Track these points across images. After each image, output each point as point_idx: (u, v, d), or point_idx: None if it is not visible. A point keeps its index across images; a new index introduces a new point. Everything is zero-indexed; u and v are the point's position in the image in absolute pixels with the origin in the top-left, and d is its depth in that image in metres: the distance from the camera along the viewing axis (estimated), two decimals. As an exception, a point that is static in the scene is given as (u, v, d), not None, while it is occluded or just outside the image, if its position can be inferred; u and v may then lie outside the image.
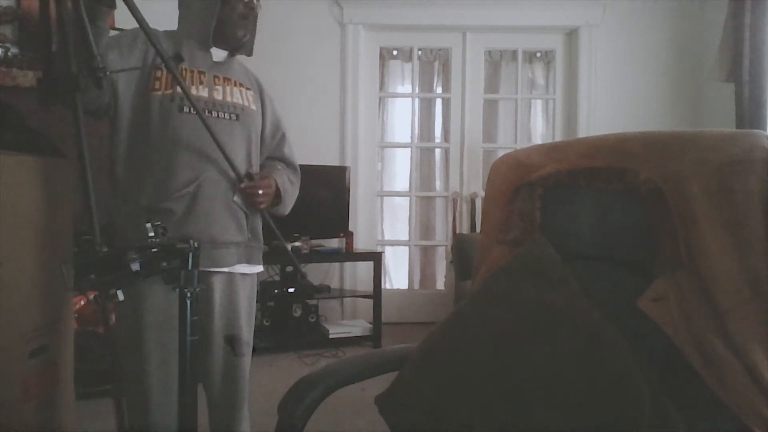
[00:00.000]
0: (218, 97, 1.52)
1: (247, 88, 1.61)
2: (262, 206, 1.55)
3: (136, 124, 1.44)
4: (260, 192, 1.53)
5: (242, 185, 1.50)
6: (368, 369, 1.15)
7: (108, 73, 1.12)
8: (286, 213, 1.68)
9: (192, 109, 1.44)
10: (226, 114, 1.51)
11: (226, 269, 1.52)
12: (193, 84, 1.49)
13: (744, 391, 0.82)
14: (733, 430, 0.82)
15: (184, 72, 1.48)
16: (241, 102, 1.57)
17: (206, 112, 1.47)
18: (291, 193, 1.67)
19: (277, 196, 1.61)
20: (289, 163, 1.73)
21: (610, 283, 1.04)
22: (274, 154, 1.71)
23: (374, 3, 3.99)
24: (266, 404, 1.45)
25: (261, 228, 1.64)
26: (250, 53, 1.64)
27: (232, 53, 1.61)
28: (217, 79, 1.54)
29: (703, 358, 0.85)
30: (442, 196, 4.31)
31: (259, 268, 1.65)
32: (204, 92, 1.50)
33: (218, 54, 1.58)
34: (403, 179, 4.39)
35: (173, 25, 1.58)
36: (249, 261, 1.59)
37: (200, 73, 1.51)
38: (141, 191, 1.44)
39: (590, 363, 0.89)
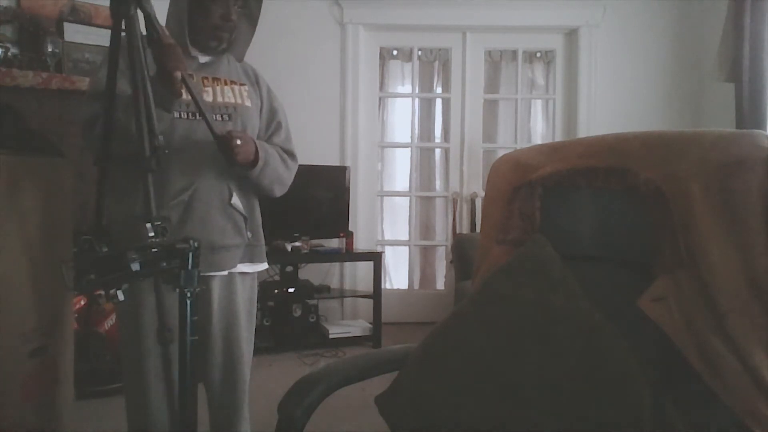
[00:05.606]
0: (208, 98, 1.49)
1: (242, 84, 1.58)
2: (239, 156, 1.44)
3: (130, 130, 1.43)
4: (237, 142, 1.42)
5: (220, 135, 1.42)
6: (368, 369, 1.15)
7: (166, 151, 1.24)
8: (265, 184, 1.57)
9: (182, 114, 1.44)
10: (216, 115, 1.49)
11: (225, 272, 1.52)
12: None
13: (744, 391, 0.82)
14: (733, 429, 0.82)
15: None
16: (233, 101, 1.54)
17: (195, 115, 1.45)
18: (274, 164, 1.58)
19: (256, 158, 1.51)
20: (284, 149, 1.66)
21: (610, 283, 1.04)
22: (269, 142, 1.65)
23: (374, 3, 3.99)
24: (266, 404, 1.45)
25: (261, 226, 1.63)
26: (240, 59, 1.61)
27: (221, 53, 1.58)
28: (206, 80, 1.52)
29: (703, 358, 0.85)
30: (442, 196, 4.31)
31: (262, 266, 1.65)
32: None
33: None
34: (403, 179, 4.39)
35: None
36: (251, 260, 1.59)
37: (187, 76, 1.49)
38: (137, 199, 1.42)
39: (590, 363, 0.89)
